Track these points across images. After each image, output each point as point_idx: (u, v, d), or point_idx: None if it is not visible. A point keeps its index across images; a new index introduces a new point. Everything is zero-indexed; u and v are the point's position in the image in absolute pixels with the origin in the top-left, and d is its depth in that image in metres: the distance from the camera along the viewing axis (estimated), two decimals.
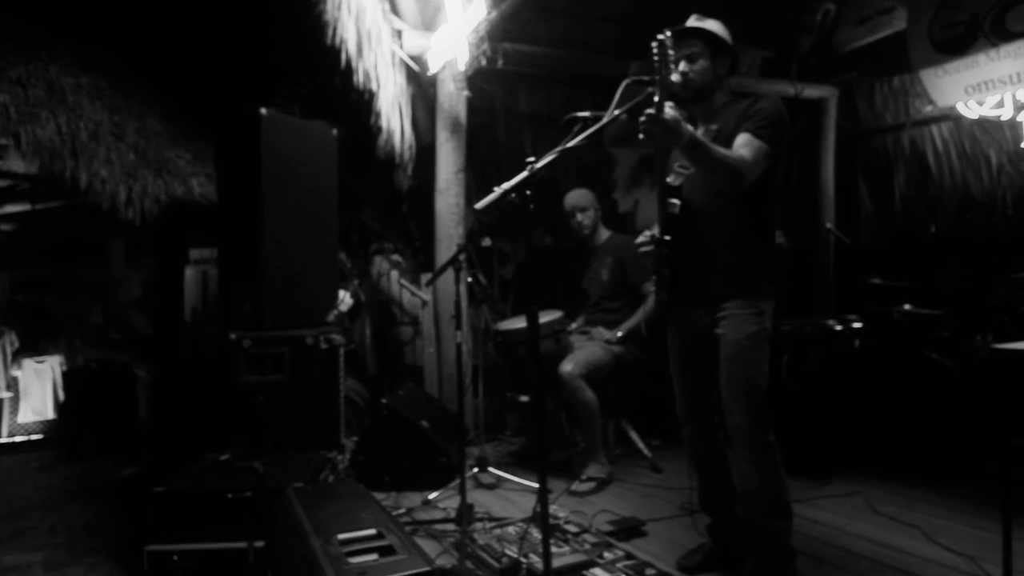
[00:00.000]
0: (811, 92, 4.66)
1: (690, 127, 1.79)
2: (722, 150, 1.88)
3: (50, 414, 4.95)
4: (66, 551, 2.74)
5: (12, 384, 4.89)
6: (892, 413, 3.29)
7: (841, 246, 4.49)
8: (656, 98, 1.74)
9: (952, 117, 4.22)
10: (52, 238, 5.94)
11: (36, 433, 4.92)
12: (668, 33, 1.77)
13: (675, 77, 2.03)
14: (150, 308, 5.11)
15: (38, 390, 4.96)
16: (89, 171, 4.08)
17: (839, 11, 4.48)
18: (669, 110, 1.76)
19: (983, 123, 4.06)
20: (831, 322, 3.41)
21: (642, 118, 1.74)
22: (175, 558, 2.11)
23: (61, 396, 4.94)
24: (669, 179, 2.06)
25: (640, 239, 2.12)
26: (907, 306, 3.48)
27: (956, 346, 3.27)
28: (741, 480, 2.07)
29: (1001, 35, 3.42)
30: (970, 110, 3.76)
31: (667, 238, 2.01)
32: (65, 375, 4.94)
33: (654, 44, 1.74)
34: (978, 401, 3.06)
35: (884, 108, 4.74)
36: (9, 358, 4.92)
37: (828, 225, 4.49)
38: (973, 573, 2.18)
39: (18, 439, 4.85)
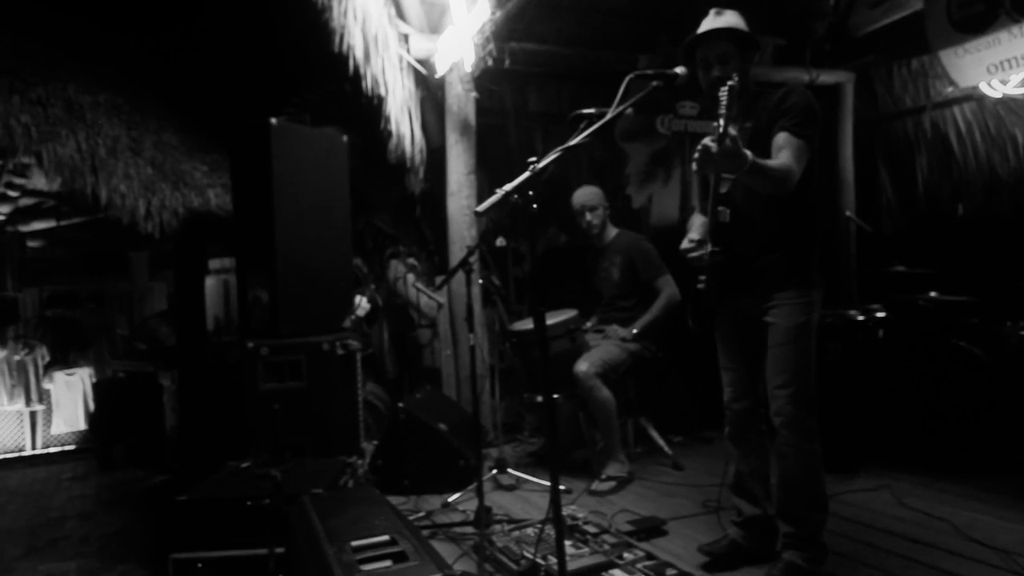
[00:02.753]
0: (826, 78, 4.57)
1: (749, 153, 1.77)
2: (774, 164, 1.89)
3: (81, 425, 5.07)
4: (99, 559, 2.81)
5: (44, 396, 5.02)
6: (919, 404, 3.20)
7: (862, 234, 4.40)
8: (720, 131, 1.72)
9: (975, 97, 4.11)
10: (78, 253, 6.09)
11: (68, 444, 5.05)
12: (736, 80, 1.81)
13: (679, 70, 2.00)
14: (175, 319, 5.21)
15: (69, 402, 5.08)
16: (109, 187, 4.18)
17: None
18: (730, 141, 1.72)
19: (1008, 102, 3.96)
20: (853, 312, 3.34)
21: (699, 148, 1.73)
22: (199, 566, 2.14)
23: (92, 407, 5.06)
24: (721, 189, 2.04)
25: (686, 245, 2.11)
26: (932, 293, 3.39)
27: (985, 333, 3.17)
28: (782, 467, 2.07)
29: (1023, 11, 3.32)
30: (993, 89, 3.66)
31: (719, 249, 2.01)
32: (95, 386, 5.06)
33: (723, 90, 1.75)
34: (1009, 389, 2.97)
35: (903, 91, 4.64)
36: (41, 371, 5.06)
37: (848, 213, 4.39)
38: (1007, 568, 2.12)
39: (52, 450, 4.99)
